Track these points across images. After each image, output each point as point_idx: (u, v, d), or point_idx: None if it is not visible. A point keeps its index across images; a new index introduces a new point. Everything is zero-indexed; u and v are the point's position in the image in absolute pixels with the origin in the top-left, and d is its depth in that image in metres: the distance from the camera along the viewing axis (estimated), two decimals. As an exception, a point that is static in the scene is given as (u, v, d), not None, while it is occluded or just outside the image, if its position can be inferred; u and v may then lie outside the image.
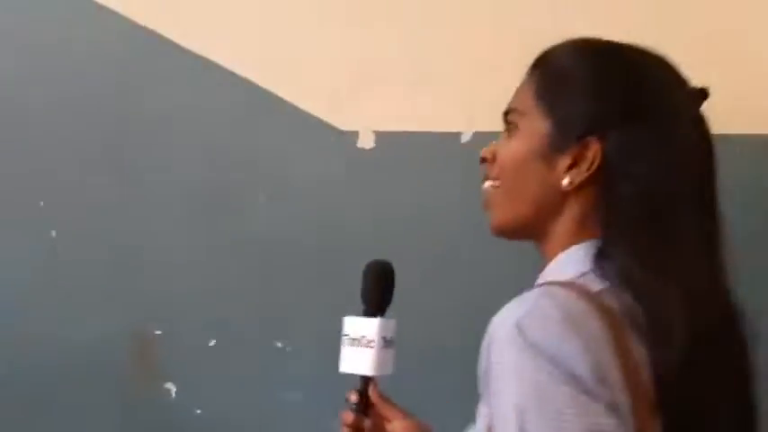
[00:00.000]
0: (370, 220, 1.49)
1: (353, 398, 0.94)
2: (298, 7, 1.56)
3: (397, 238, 1.45)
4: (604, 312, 0.69)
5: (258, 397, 1.52)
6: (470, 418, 0.78)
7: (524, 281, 0.81)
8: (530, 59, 0.86)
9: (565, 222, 0.80)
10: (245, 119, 1.58)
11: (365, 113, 1.51)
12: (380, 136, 1.50)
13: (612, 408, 0.64)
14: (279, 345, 1.52)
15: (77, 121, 1.65)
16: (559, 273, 0.77)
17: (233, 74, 1.57)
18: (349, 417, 0.93)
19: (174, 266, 1.59)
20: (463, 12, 1.47)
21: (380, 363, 0.92)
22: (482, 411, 0.73)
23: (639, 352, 0.69)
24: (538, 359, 0.64)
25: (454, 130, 1.46)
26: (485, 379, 0.70)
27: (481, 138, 1.32)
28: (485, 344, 0.70)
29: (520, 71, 0.86)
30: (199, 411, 1.55)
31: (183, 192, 1.60)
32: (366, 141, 1.51)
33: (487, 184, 0.86)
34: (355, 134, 1.51)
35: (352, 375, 0.94)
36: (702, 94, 0.83)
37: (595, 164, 0.76)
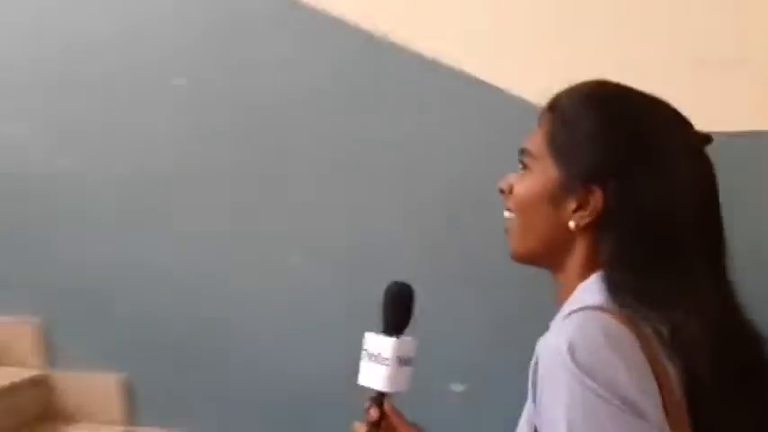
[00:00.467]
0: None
1: (372, 411, 0.99)
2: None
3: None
4: (639, 334, 0.75)
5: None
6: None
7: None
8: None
9: (577, 257, 0.87)
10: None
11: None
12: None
13: (654, 424, 0.71)
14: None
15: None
16: (587, 300, 0.82)
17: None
18: (362, 429, 0.99)
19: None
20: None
21: (394, 380, 0.98)
22: (523, 425, 0.83)
23: (671, 370, 0.76)
24: (587, 380, 0.71)
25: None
26: (533, 392, 0.77)
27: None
28: (533, 363, 0.77)
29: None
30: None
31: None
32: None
33: (506, 213, 0.93)
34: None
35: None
36: (705, 138, 0.87)
37: (598, 208, 0.83)
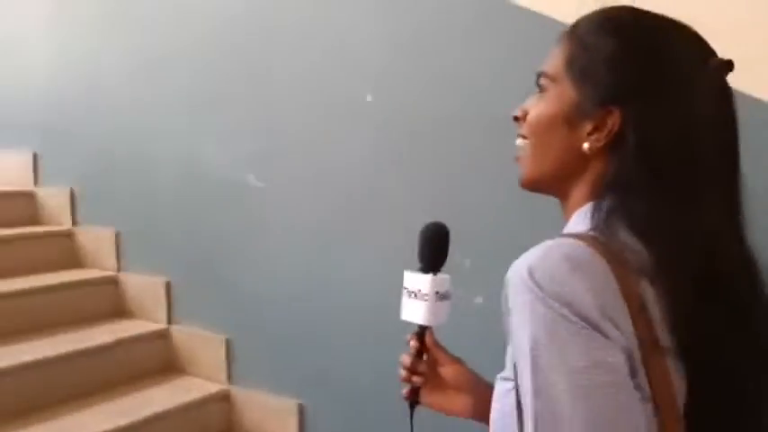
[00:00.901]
0: None
1: (413, 343, 1.06)
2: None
3: None
4: (611, 258, 0.75)
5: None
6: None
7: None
8: None
9: (585, 183, 0.87)
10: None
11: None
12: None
13: (618, 343, 0.72)
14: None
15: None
16: (574, 227, 0.85)
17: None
18: (407, 359, 1.06)
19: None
20: None
21: (434, 314, 1.04)
22: (508, 351, 0.83)
23: (650, 294, 0.75)
24: (547, 299, 0.73)
25: None
26: (506, 321, 0.80)
27: None
28: (504, 291, 0.80)
29: None
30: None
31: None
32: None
33: (519, 140, 0.95)
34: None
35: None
36: (728, 65, 0.85)
37: (614, 130, 0.83)
